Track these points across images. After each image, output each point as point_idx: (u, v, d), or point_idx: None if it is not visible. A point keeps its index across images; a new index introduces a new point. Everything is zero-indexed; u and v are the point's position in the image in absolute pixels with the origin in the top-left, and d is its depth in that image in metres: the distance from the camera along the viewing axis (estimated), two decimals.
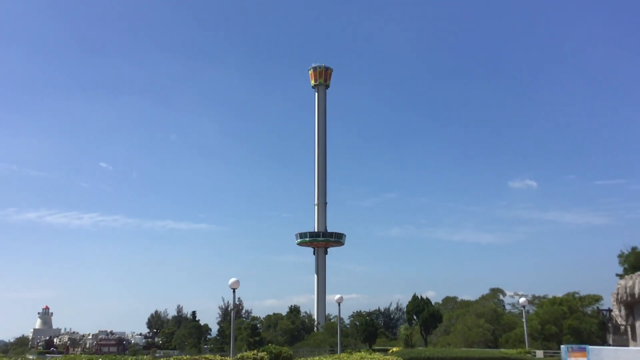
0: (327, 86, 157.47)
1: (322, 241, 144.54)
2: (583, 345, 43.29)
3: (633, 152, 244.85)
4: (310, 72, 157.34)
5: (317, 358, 35.68)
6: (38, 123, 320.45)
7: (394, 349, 48.97)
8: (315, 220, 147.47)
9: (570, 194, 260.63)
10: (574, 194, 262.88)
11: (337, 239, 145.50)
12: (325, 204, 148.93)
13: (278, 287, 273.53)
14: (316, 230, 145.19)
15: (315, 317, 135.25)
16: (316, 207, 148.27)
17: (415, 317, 65.29)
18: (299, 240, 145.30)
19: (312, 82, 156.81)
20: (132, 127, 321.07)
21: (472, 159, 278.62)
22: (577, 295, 68.65)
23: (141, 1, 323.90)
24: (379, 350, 46.03)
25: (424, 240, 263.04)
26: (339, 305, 49.34)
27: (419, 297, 63.65)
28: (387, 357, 38.65)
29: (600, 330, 62.53)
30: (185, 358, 27.33)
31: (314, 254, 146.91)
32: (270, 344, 36.21)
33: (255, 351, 32.93)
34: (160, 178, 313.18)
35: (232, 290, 35.68)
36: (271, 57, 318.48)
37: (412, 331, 63.61)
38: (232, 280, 35.25)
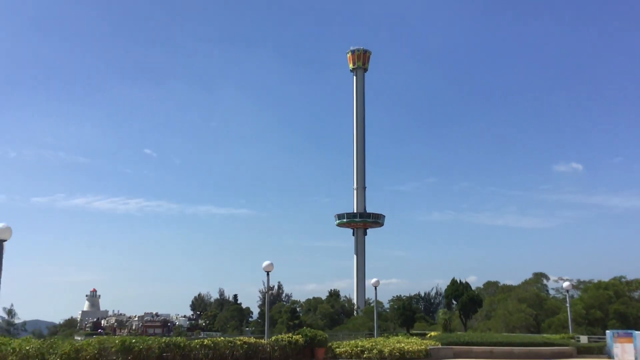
0: (366, 69, 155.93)
1: (360, 222, 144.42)
2: (630, 331, 41.90)
3: None
4: (348, 55, 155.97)
5: (354, 341, 35.45)
6: (84, 112, 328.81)
7: (432, 333, 48.38)
8: (355, 203, 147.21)
9: (617, 176, 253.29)
10: (621, 177, 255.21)
11: (376, 219, 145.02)
12: (365, 188, 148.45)
13: (319, 272, 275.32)
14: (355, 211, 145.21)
15: (355, 301, 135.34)
16: (355, 191, 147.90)
17: (454, 302, 64.46)
18: (337, 221, 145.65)
19: (351, 66, 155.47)
20: (174, 115, 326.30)
21: (514, 142, 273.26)
22: (623, 279, 66.62)
23: None
24: (417, 335, 45.55)
25: (465, 225, 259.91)
26: (376, 289, 49.02)
27: (458, 281, 62.61)
28: (424, 341, 38.20)
29: None
30: (219, 339, 27.46)
31: (353, 235, 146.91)
32: (305, 327, 36.16)
33: (290, 334, 32.91)
34: (202, 164, 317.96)
35: (266, 273, 35.66)
36: (309, 41, 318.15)
37: (450, 315, 62.70)
38: (265, 263, 35.25)
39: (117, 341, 23.13)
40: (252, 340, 29.13)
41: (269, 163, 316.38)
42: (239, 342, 27.78)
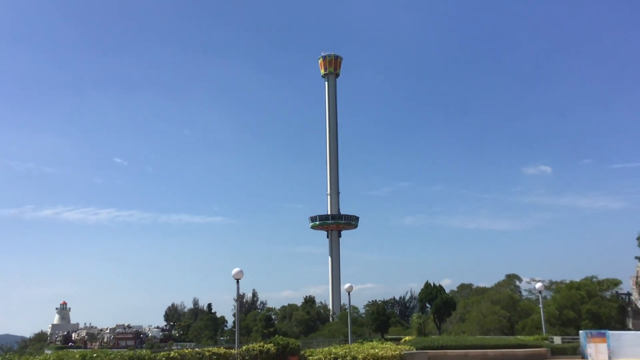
0: (337, 75, 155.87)
1: (333, 224, 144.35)
2: (602, 331, 42.05)
3: None
4: (320, 61, 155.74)
5: (327, 348, 34.73)
6: (52, 121, 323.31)
7: (407, 337, 47.99)
8: (329, 208, 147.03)
9: (586, 178, 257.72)
10: (590, 179, 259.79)
11: (349, 221, 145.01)
12: (338, 193, 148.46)
13: (294, 278, 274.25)
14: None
15: (330, 306, 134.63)
16: (329, 196, 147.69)
17: (428, 305, 64.27)
18: (311, 223, 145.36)
19: (322, 71, 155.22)
20: (146, 123, 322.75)
21: (485, 145, 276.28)
22: (595, 279, 66.87)
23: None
24: (391, 340, 45.09)
25: (439, 229, 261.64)
26: (349, 294, 48.46)
27: (432, 284, 62.48)
28: (399, 346, 37.70)
29: (620, 314, 60.96)
30: (186, 351, 26.49)
31: (327, 237, 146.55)
32: (277, 336, 35.37)
33: (262, 343, 32.09)
34: (175, 172, 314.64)
35: (236, 280, 34.89)
36: (280, 47, 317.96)
37: (425, 319, 62.37)
38: (235, 270, 34.47)
39: (77, 356, 22.09)
40: (222, 350, 28.20)
41: (242, 170, 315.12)
42: (207, 353, 26.82)
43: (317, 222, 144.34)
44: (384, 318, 62.03)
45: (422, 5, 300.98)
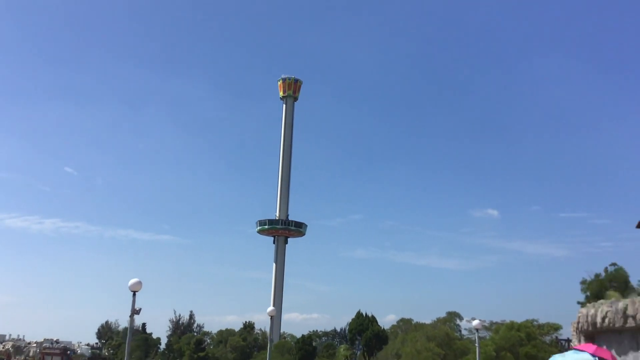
0: (296, 99, 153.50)
1: (281, 229, 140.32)
2: None
3: (596, 186, 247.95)
4: (279, 83, 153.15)
5: None
6: (2, 126, 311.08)
7: None
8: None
9: (534, 225, 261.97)
10: (538, 225, 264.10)
11: (298, 227, 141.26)
12: (287, 217, 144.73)
13: (240, 303, 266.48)
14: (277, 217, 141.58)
15: (271, 334, 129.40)
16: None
17: (358, 337, 60.45)
18: (258, 227, 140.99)
19: (281, 94, 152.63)
20: (99, 135, 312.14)
21: (437, 185, 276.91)
22: (536, 322, 64.82)
23: (107, 12, 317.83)
24: None
25: (389, 264, 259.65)
26: (272, 318, 44.48)
27: (364, 315, 58.65)
28: None
29: None
30: None
31: (274, 242, 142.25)
32: None
33: None
34: (126, 187, 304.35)
35: (132, 293, 30.61)
36: (239, 67, 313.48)
37: (352, 352, 58.41)
38: (132, 281, 30.40)
39: None
40: None
41: (195, 189, 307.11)
42: None
43: (266, 227, 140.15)
44: (309, 348, 57.85)
45: (381, 38, 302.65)
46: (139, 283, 30.69)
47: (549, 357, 55.87)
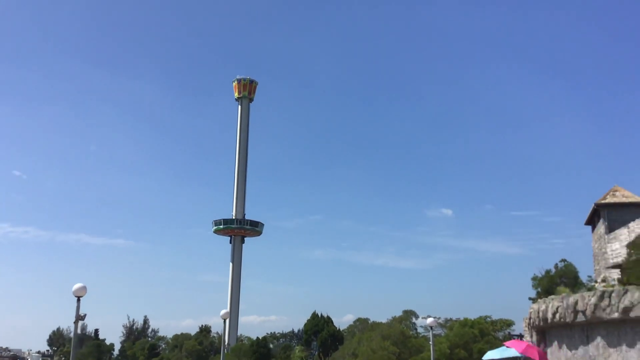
0: (251, 100, 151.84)
1: (237, 228, 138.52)
2: None
3: (547, 185, 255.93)
4: (234, 83, 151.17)
5: None
6: None
7: None
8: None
9: (487, 223, 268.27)
10: (492, 224, 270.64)
11: (254, 226, 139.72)
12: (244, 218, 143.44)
13: (197, 307, 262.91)
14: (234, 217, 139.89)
15: (226, 337, 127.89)
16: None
17: (314, 338, 60.19)
18: (214, 227, 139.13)
19: (236, 95, 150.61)
20: (49, 137, 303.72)
21: (393, 184, 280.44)
22: (489, 319, 65.78)
23: (52, 6, 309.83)
24: None
25: (346, 264, 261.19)
26: (225, 321, 43.72)
27: (319, 315, 58.43)
28: None
29: None
30: None
31: (230, 242, 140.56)
32: None
33: None
34: (78, 190, 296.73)
35: (77, 298, 29.59)
36: (193, 68, 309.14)
37: (307, 354, 58.12)
38: (76, 286, 29.41)
39: None
40: None
41: (149, 192, 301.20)
42: None
43: (222, 226, 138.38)
44: (264, 350, 57.28)
45: (337, 42, 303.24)
46: (84, 288, 29.77)
47: None
